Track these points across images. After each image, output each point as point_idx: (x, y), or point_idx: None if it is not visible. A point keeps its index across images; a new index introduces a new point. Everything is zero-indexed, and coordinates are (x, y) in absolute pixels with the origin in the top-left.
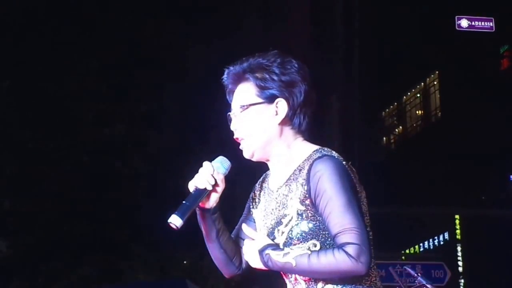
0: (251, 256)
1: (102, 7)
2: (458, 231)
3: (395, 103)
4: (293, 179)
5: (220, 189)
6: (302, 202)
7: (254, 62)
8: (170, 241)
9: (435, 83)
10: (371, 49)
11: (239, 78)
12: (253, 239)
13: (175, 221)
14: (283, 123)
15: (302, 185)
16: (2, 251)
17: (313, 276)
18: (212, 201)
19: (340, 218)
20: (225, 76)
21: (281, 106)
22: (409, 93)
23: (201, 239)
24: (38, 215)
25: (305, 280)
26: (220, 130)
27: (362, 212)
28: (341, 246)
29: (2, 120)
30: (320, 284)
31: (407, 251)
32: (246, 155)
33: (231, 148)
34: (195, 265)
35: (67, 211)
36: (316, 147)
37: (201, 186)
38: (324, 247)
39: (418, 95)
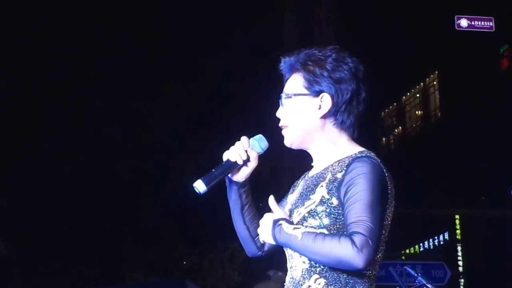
0: (265, 226)
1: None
2: (458, 231)
3: (395, 104)
4: (330, 170)
5: (251, 165)
6: (330, 191)
7: (309, 54)
8: (170, 241)
9: (435, 83)
10: (371, 49)
11: (292, 68)
12: (272, 212)
13: (200, 186)
14: (325, 117)
15: (336, 176)
16: (0, 252)
17: (314, 257)
18: (242, 175)
19: (359, 211)
20: (281, 64)
21: (325, 101)
22: (408, 93)
23: (201, 240)
24: (36, 215)
25: (302, 269)
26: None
27: (383, 218)
28: (349, 234)
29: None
30: (314, 276)
31: (407, 251)
32: (286, 143)
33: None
34: (195, 265)
35: (67, 211)
36: (362, 148)
37: (232, 159)
38: None
39: (418, 95)
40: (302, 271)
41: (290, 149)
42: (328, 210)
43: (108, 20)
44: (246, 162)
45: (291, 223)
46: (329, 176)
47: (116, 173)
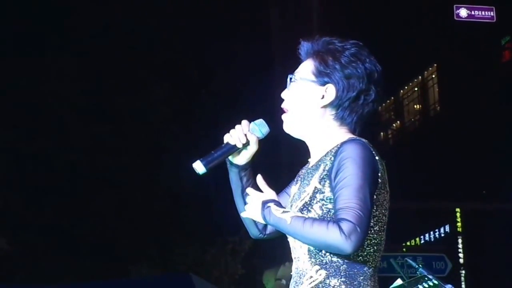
0: (253, 205)
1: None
2: (459, 224)
3: (392, 98)
4: (323, 160)
5: (251, 149)
6: (321, 180)
7: (328, 42)
8: (173, 236)
9: (434, 76)
10: (368, 41)
11: (307, 53)
12: (262, 192)
13: (199, 167)
14: (326, 108)
15: (327, 164)
16: (2, 249)
17: (304, 240)
18: (242, 158)
19: (348, 196)
20: (299, 48)
21: (329, 92)
22: (406, 87)
23: (204, 234)
24: (38, 211)
25: (304, 261)
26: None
27: (373, 201)
28: (337, 221)
29: None
30: (316, 267)
31: (409, 243)
32: (285, 128)
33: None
34: (198, 259)
35: (69, 207)
36: (354, 137)
37: (232, 142)
38: None
39: (416, 88)
40: (304, 262)
41: (288, 144)
42: (321, 201)
43: (91, 15)
44: (245, 145)
45: (280, 205)
46: (322, 166)
47: (119, 169)
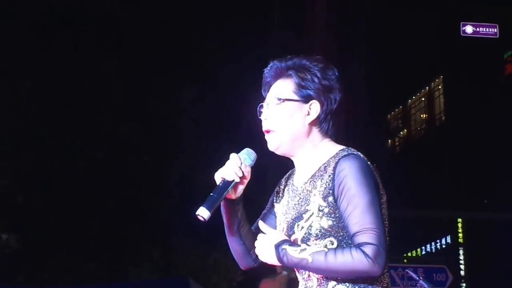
0: (265, 250)
1: (119, 6)
2: (460, 235)
3: (400, 107)
4: (318, 176)
5: (246, 181)
6: (324, 198)
7: (299, 61)
8: (174, 240)
9: (440, 87)
10: (377, 53)
11: (281, 73)
12: (266, 234)
13: (203, 213)
14: (312, 124)
15: (326, 182)
16: (12, 246)
17: (328, 274)
18: (238, 192)
19: (361, 217)
20: (267, 68)
21: (314, 107)
22: (414, 97)
23: (204, 239)
24: (47, 211)
25: (317, 278)
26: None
27: (382, 213)
28: (359, 246)
29: (22, 117)
30: (332, 283)
31: (409, 254)
32: (271, 147)
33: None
34: (198, 263)
35: (75, 208)
36: (342, 146)
37: (229, 178)
38: (341, 246)
39: (423, 99)
40: (318, 280)
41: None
42: (327, 217)
43: (121, 19)
44: (241, 178)
45: (295, 244)
46: (319, 182)
47: (123, 171)
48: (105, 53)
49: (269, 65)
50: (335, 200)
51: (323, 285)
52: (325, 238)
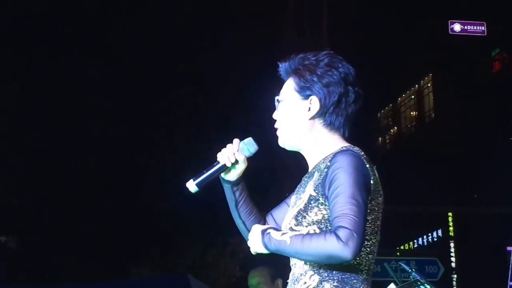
0: (255, 237)
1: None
2: (451, 228)
3: (390, 105)
4: (317, 168)
5: (240, 167)
6: (316, 188)
7: (303, 59)
8: (173, 237)
9: (429, 85)
10: (368, 52)
11: (287, 73)
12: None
13: (191, 186)
14: (314, 118)
15: (321, 174)
16: (11, 248)
17: (306, 258)
18: (232, 175)
19: (342, 204)
20: (278, 69)
21: (314, 103)
22: (404, 95)
23: (203, 236)
24: (45, 212)
25: (301, 266)
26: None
27: (366, 208)
28: (334, 229)
29: (10, 121)
30: (310, 272)
31: (402, 247)
32: (280, 143)
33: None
34: (197, 261)
35: (73, 208)
36: (346, 144)
37: (222, 161)
38: None
39: (413, 96)
40: (300, 268)
41: (285, 151)
42: (316, 207)
43: (108, 22)
44: (234, 164)
45: (279, 230)
46: (316, 174)
47: (121, 171)
48: (92, 55)
49: (279, 66)
50: (325, 190)
51: (303, 274)
52: (309, 226)
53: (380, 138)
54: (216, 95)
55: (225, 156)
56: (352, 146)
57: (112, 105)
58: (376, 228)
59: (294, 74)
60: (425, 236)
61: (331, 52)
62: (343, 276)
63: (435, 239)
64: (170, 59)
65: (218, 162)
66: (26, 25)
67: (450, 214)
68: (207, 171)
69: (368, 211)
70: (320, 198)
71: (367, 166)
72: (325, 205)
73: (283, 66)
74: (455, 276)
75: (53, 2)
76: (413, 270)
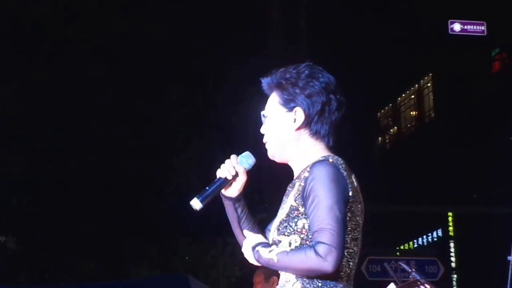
0: (246, 252)
1: (107, 10)
2: (451, 228)
3: (390, 104)
4: (297, 179)
5: (240, 180)
6: (296, 198)
7: (284, 72)
8: (173, 237)
9: (429, 85)
10: (368, 52)
11: (270, 88)
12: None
13: (195, 204)
14: (300, 129)
15: (300, 184)
16: (11, 247)
17: (292, 272)
18: (233, 190)
19: (320, 218)
20: (262, 85)
21: (299, 114)
22: (403, 95)
23: (202, 236)
24: (45, 212)
25: (284, 273)
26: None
27: (345, 218)
28: (314, 245)
29: (10, 121)
30: (293, 278)
31: (402, 247)
32: (269, 156)
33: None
34: (197, 260)
35: (73, 208)
36: (326, 153)
37: (223, 176)
38: (305, 244)
39: (413, 96)
40: (285, 275)
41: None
42: (296, 217)
43: (108, 22)
44: (235, 177)
45: (267, 245)
46: (297, 184)
47: (121, 171)
48: (92, 55)
49: (261, 82)
50: (304, 201)
51: (288, 280)
52: (290, 235)
53: (380, 138)
54: (216, 95)
55: (225, 170)
56: (332, 155)
57: (112, 105)
58: (357, 235)
59: (277, 88)
60: (425, 236)
61: (310, 63)
62: (325, 283)
63: (435, 239)
64: (170, 59)
65: (219, 178)
66: (26, 25)
67: (450, 214)
68: (209, 188)
69: (348, 218)
70: (300, 208)
71: (345, 174)
72: (305, 214)
73: (265, 81)
74: (455, 276)
75: (53, 2)
76: (413, 270)
